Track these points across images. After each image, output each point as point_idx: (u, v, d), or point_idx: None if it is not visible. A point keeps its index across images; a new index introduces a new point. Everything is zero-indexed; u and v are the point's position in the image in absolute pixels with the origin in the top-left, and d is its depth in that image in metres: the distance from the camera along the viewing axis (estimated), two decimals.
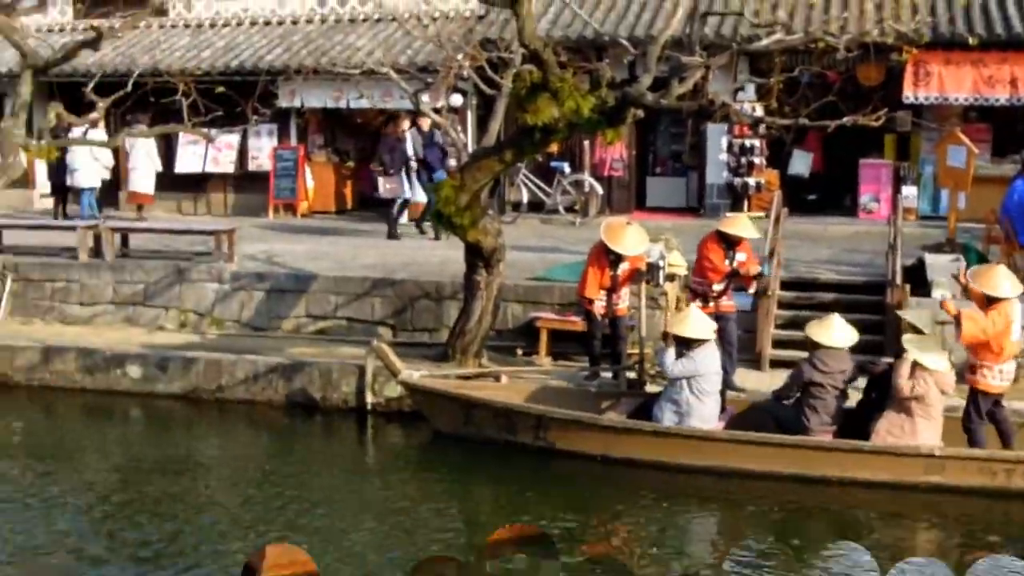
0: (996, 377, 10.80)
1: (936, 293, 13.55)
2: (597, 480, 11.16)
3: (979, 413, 10.83)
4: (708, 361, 11.27)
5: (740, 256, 12.49)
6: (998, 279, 11.01)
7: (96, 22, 19.67)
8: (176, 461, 12.14)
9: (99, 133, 20.08)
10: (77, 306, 16.41)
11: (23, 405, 14.37)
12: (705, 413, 11.24)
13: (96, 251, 16.87)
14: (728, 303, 12.60)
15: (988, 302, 10.78)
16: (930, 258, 14.65)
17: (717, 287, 12.46)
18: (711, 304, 12.33)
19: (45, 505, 10.71)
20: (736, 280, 12.63)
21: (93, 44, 15.74)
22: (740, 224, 12.67)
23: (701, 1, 12.94)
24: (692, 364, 11.20)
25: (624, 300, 13.01)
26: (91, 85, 16.45)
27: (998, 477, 10.56)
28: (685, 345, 11.29)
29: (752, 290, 12.99)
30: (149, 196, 22.50)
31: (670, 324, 11.80)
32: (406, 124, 19.91)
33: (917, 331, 11.07)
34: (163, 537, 9.75)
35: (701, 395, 11.20)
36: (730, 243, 12.48)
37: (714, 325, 11.59)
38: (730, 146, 21.77)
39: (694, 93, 13.49)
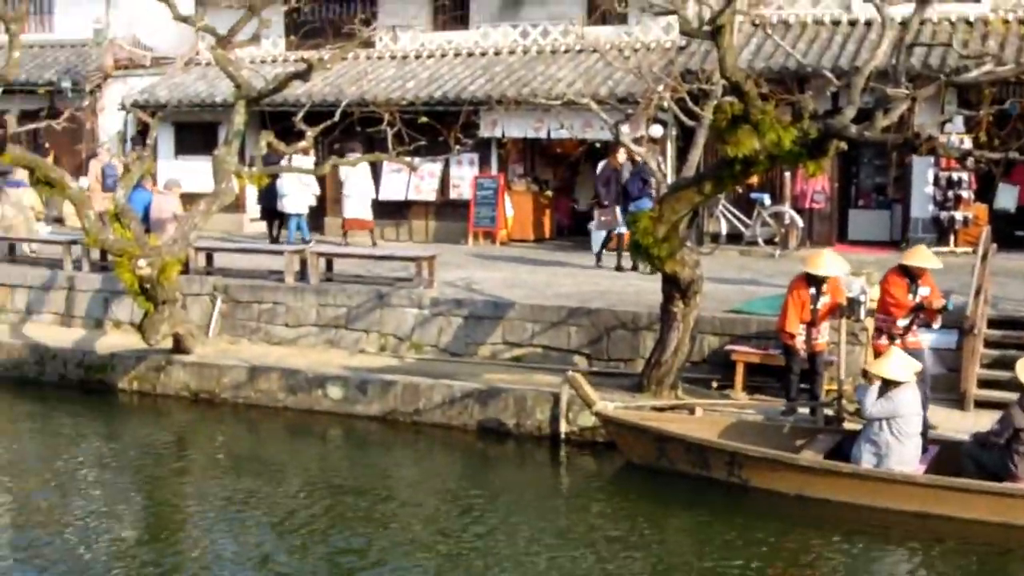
0: None
1: None
2: (791, 518, 10.94)
3: None
4: (908, 402, 10.94)
5: (923, 290, 12.10)
6: None
7: (306, 54, 20.44)
8: (370, 480, 12.46)
9: (307, 161, 20.76)
10: (282, 327, 16.92)
11: (228, 421, 14.92)
12: (905, 455, 10.92)
13: (302, 275, 17.41)
14: (914, 340, 12.19)
15: None
16: None
17: (901, 323, 12.09)
18: (897, 341, 12.00)
19: (240, 517, 11.19)
20: (921, 315, 12.27)
21: (304, 75, 16.31)
22: (922, 255, 12.31)
23: (908, 31, 12.58)
24: (891, 405, 10.90)
25: (823, 335, 12.80)
26: (300, 114, 17.06)
27: None
28: (884, 385, 11.03)
29: (936, 325, 12.55)
30: (368, 221, 22.93)
31: (870, 364, 11.54)
32: (623, 156, 19.84)
33: None
34: (350, 552, 10.07)
35: (901, 437, 10.89)
36: (912, 276, 12.13)
37: (917, 366, 11.27)
38: (936, 179, 21.18)
39: (899, 125, 13.20)
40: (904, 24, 12.76)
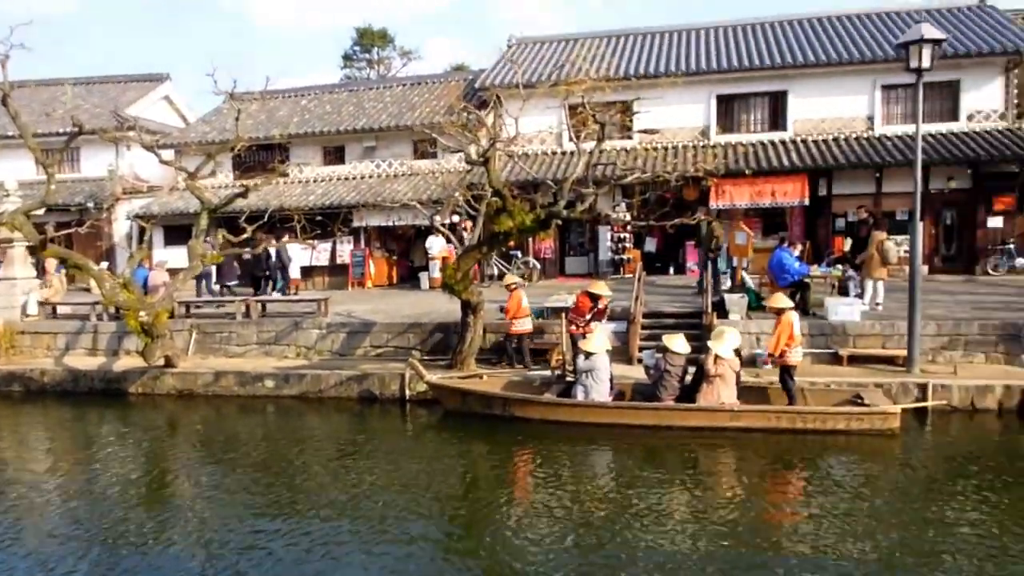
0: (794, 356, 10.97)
1: (732, 316, 13.63)
2: (538, 433, 10.98)
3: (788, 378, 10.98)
4: (601, 362, 11.25)
5: (600, 304, 12.75)
6: (777, 303, 11.24)
7: (245, 181, 19.70)
8: (292, 434, 11.95)
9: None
10: (235, 346, 16.13)
11: (202, 406, 14.06)
12: (602, 391, 11.21)
13: (247, 314, 16.69)
14: (592, 326, 12.57)
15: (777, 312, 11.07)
16: (727, 296, 14.72)
17: (586, 318, 12.70)
18: (581, 327, 12.55)
19: (213, 453, 10.56)
20: (597, 316, 12.83)
21: (244, 195, 15.78)
22: (599, 287, 12.93)
23: (592, 156, 13.04)
24: (591, 364, 11.17)
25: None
26: (243, 218, 16.48)
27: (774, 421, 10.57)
28: (588, 354, 11.28)
29: (604, 320, 13.04)
30: (299, 280, 22.61)
31: (582, 343, 11.78)
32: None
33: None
34: (272, 487, 9.60)
35: (598, 382, 11.17)
36: (594, 297, 12.64)
37: (607, 343, 11.56)
38: (612, 237, 21.91)
39: (590, 209, 13.60)
40: (591, 153, 13.21)
